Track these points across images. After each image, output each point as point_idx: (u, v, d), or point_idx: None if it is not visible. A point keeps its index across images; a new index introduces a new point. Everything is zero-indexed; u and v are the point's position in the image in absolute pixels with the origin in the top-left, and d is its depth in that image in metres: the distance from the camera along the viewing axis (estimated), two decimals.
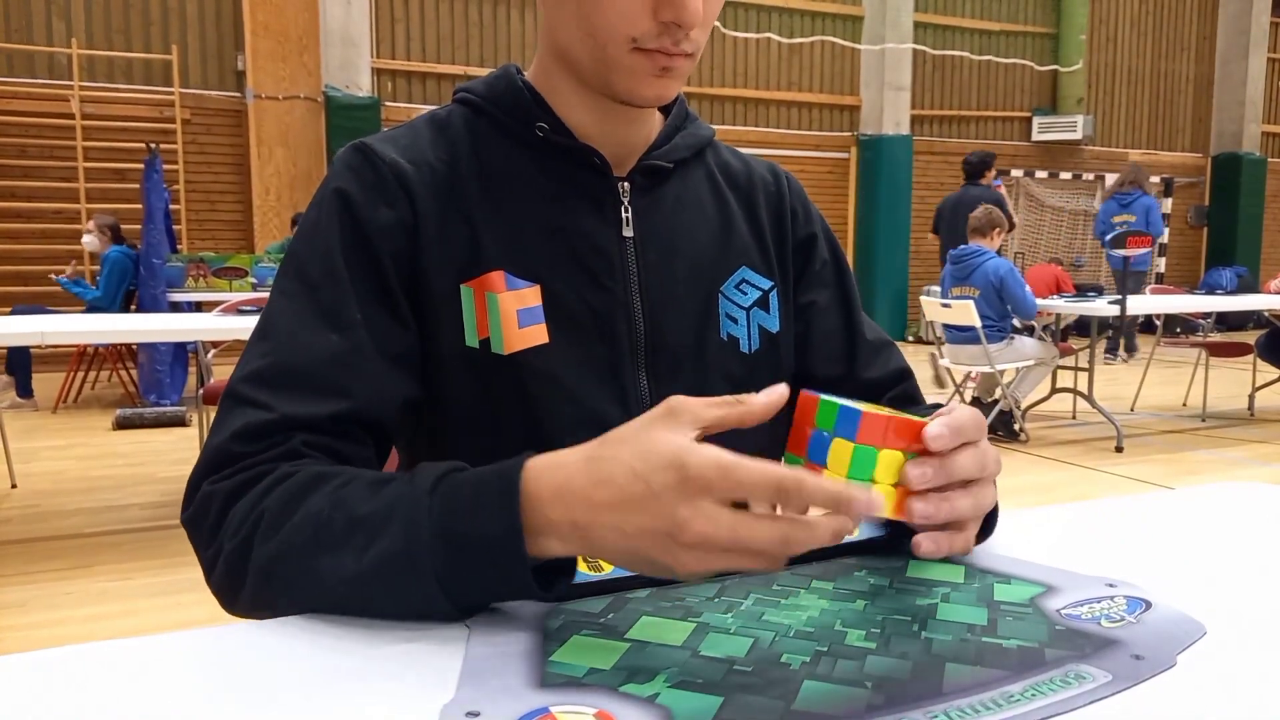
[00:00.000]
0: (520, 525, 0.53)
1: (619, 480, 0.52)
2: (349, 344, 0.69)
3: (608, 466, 0.52)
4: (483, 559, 0.54)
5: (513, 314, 0.75)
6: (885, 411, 0.61)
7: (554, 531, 0.54)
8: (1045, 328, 5.39)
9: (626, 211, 0.80)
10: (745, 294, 0.85)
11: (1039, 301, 4.92)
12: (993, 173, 6.68)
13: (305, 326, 0.69)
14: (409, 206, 0.74)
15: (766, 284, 0.87)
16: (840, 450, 0.60)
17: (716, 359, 0.83)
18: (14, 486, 3.87)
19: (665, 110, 0.87)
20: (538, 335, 0.75)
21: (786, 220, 0.90)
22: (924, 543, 0.63)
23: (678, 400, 0.54)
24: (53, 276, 5.99)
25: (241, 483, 0.63)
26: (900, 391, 0.92)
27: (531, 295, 0.75)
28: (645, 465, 0.51)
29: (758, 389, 0.56)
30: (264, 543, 0.59)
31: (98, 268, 6.05)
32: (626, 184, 0.81)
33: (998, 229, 4.81)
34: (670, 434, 0.52)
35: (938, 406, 0.72)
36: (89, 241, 6.00)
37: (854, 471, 0.59)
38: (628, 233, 0.80)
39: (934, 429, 0.60)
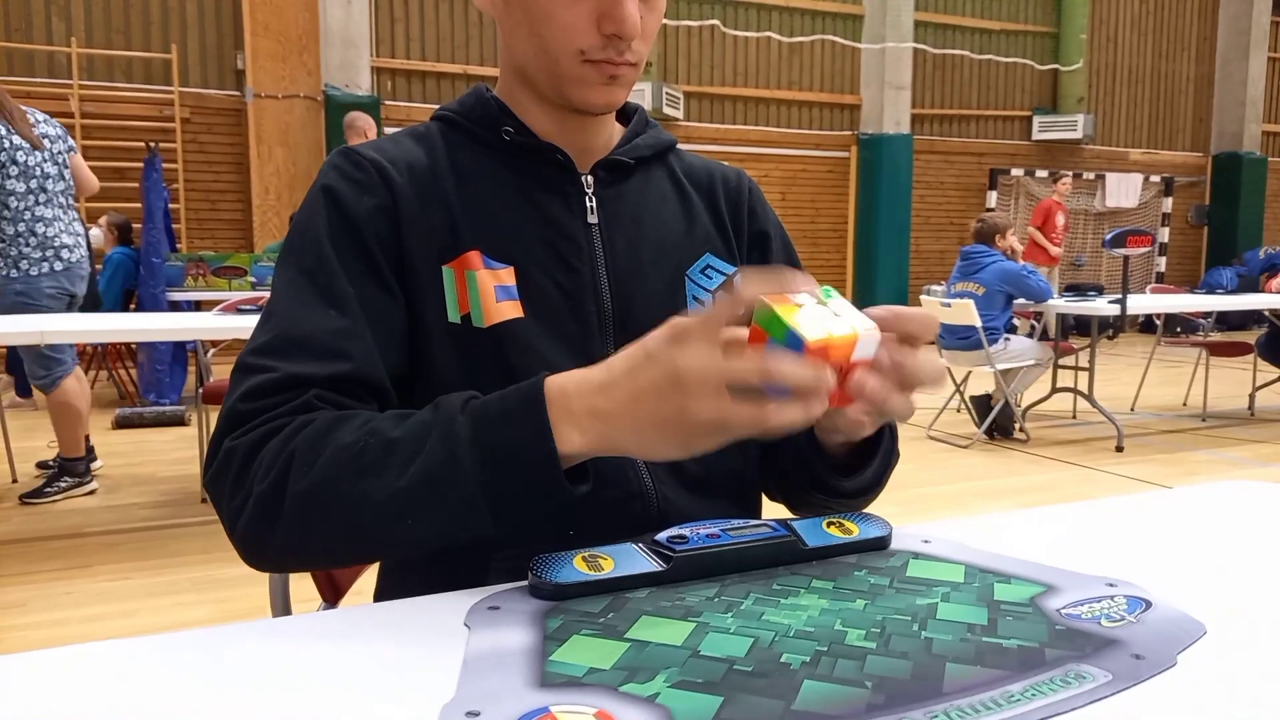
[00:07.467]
0: (549, 424, 0.60)
1: (623, 360, 0.61)
2: (346, 317, 0.75)
3: (613, 360, 0.62)
4: (516, 461, 0.61)
5: (490, 289, 0.80)
6: (821, 340, 0.58)
7: (574, 422, 0.61)
8: (1045, 324, 5.39)
9: (591, 201, 0.86)
10: (711, 278, 0.90)
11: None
12: None
13: (304, 305, 0.75)
14: (389, 195, 0.80)
15: (730, 269, 0.91)
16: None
17: None
18: (15, 481, 3.87)
19: (625, 121, 0.93)
20: (513, 310, 0.80)
21: (743, 213, 0.96)
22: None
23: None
24: None
25: (264, 433, 0.67)
26: None
27: (507, 275, 0.81)
28: (640, 343, 0.60)
29: None
30: (300, 478, 0.63)
31: (99, 266, 6.04)
32: (590, 177, 0.87)
33: (997, 234, 4.91)
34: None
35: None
36: (95, 236, 6.02)
37: None
38: (592, 220, 0.86)
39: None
